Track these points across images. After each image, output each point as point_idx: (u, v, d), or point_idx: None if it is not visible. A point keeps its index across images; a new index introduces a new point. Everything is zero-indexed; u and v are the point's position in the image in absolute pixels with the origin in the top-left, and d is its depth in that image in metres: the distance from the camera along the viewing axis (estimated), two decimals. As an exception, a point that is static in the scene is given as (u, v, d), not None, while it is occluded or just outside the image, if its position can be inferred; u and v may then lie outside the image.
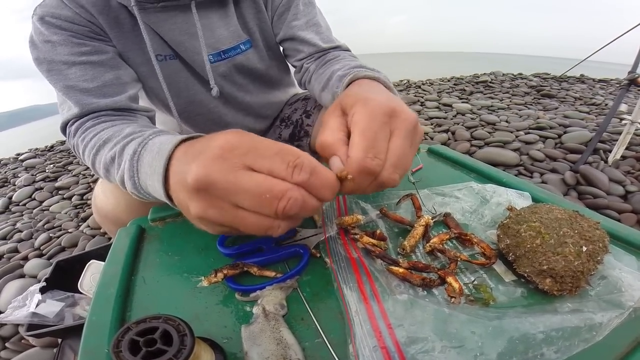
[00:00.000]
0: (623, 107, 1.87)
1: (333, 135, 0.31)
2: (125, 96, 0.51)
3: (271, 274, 0.33)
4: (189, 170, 0.26)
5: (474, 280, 0.31)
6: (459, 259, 0.32)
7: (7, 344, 0.90)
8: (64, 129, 0.51)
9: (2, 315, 0.82)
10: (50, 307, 0.77)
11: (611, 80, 3.47)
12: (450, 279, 0.29)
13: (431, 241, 0.34)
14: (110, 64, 0.52)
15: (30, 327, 0.73)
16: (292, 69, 0.73)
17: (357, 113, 0.30)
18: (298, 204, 0.25)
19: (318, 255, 0.35)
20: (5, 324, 0.92)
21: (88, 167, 0.50)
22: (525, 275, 0.30)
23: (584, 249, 0.29)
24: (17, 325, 0.91)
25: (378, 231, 0.36)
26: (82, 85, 0.49)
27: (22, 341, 0.90)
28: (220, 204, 0.26)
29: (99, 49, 0.51)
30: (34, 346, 0.87)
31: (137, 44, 0.55)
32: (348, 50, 0.66)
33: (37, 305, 0.77)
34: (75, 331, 0.73)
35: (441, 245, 0.34)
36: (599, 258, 0.29)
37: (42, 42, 0.48)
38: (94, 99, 0.49)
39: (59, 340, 0.80)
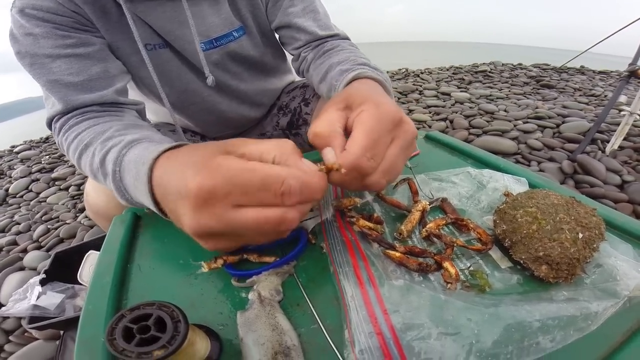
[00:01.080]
0: (622, 99, 1.86)
1: (330, 126, 0.31)
2: (112, 90, 0.49)
3: (270, 259, 0.33)
4: (180, 219, 0.26)
5: (470, 266, 0.31)
6: (455, 244, 0.32)
7: (10, 337, 0.91)
8: (49, 125, 0.49)
9: (3, 308, 0.82)
10: (51, 299, 0.77)
11: (611, 72, 3.45)
12: (446, 264, 0.29)
13: (427, 226, 0.34)
14: (97, 57, 0.50)
15: (32, 319, 0.73)
16: (290, 57, 0.72)
17: (365, 112, 0.30)
18: (297, 219, 0.26)
19: (314, 241, 0.35)
20: (8, 317, 0.93)
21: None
22: (521, 261, 0.30)
23: (580, 235, 0.29)
24: (20, 318, 0.91)
25: (375, 215, 0.36)
26: (68, 79, 0.47)
27: (25, 334, 0.91)
28: (226, 238, 0.27)
29: (85, 40, 0.49)
30: (37, 339, 0.88)
31: (125, 34, 0.53)
32: (346, 38, 0.65)
33: (37, 298, 0.77)
34: (76, 323, 0.73)
35: (437, 231, 0.34)
36: (595, 245, 0.29)
37: (23, 35, 0.46)
38: (79, 94, 0.47)
39: (61, 332, 0.80)
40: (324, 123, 0.31)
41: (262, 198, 0.25)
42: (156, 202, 0.32)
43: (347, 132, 0.32)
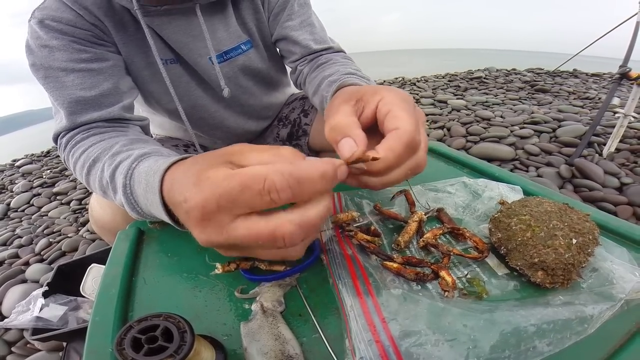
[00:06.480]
0: (616, 101, 1.88)
1: (347, 118, 0.30)
2: (119, 106, 0.50)
3: (280, 267, 0.33)
4: (190, 230, 0.26)
5: (467, 274, 0.31)
6: (451, 253, 0.32)
7: (13, 349, 0.91)
8: (55, 140, 0.50)
9: (6, 320, 0.82)
10: (54, 311, 0.78)
11: (604, 74, 3.49)
12: (443, 273, 0.30)
13: (425, 236, 0.35)
14: (110, 72, 0.51)
15: (35, 331, 0.73)
16: (288, 69, 0.74)
17: (387, 96, 0.30)
18: (296, 234, 0.23)
19: (327, 248, 0.35)
20: (11, 329, 0.93)
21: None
22: (517, 268, 0.31)
23: (574, 241, 0.29)
24: (22, 329, 0.91)
25: (372, 227, 0.36)
26: (79, 94, 0.47)
27: (28, 345, 0.91)
28: (235, 249, 0.26)
29: (100, 56, 0.50)
30: (39, 350, 0.88)
31: (140, 47, 0.54)
32: (341, 51, 0.67)
33: (40, 310, 0.77)
34: (79, 334, 0.73)
35: (434, 240, 0.34)
36: (589, 250, 0.30)
37: (38, 46, 0.47)
38: (88, 110, 0.48)
39: (64, 344, 0.80)
40: (340, 115, 0.30)
41: (249, 202, 0.22)
42: (168, 212, 0.32)
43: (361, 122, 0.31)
